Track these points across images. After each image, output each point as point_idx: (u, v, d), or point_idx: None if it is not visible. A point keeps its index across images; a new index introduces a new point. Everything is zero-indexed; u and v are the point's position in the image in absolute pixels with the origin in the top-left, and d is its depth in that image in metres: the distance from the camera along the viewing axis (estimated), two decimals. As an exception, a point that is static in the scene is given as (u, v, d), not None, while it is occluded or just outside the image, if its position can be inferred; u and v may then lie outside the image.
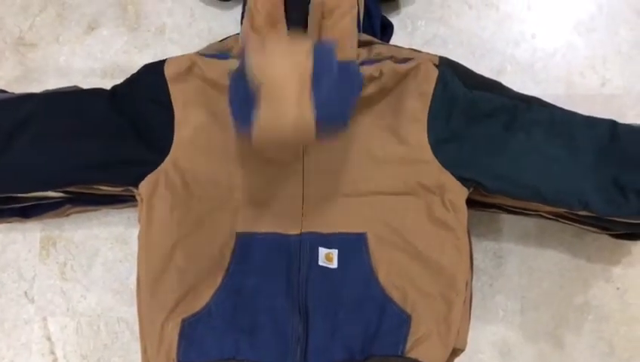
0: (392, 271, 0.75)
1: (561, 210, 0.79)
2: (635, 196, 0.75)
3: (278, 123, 0.63)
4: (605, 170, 0.77)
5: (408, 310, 0.73)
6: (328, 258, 0.75)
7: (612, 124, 0.79)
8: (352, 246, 0.75)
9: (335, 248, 0.75)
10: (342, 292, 0.74)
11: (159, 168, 0.78)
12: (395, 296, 0.74)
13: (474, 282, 0.89)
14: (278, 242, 0.76)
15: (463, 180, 0.76)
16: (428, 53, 0.80)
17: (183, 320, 0.73)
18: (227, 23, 0.99)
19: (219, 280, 0.75)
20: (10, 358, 0.91)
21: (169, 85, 0.78)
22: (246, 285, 0.75)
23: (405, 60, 0.78)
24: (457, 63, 0.81)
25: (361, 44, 0.80)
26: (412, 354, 0.71)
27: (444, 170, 0.76)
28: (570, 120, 0.79)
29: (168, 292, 0.75)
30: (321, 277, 0.75)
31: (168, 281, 0.75)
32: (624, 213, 0.76)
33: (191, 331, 0.73)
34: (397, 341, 0.72)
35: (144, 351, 0.76)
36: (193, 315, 0.74)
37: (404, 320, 0.72)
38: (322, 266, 0.75)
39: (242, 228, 0.77)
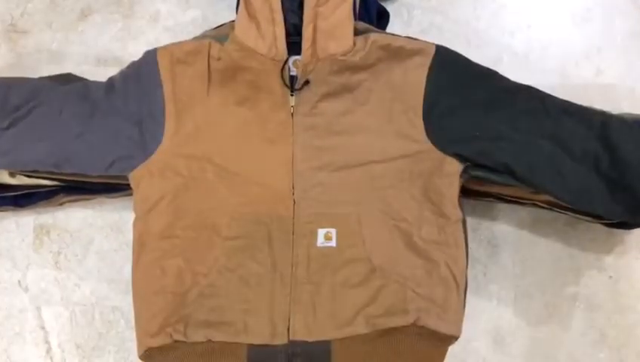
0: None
1: (554, 199, 0.80)
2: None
3: None
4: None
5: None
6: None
7: (603, 118, 0.79)
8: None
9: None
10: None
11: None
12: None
13: (468, 270, 0.90)
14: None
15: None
16: (425, 42, 0.80)
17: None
18: (222, 10, 0.98)
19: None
20: (4, 347, 0.90)
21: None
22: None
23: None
24: (453, 52, 0.80)
25: (357, 33, 0.79)
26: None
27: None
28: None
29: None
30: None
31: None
32: (607, 213, 0.78)
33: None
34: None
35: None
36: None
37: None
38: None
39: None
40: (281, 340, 0.73)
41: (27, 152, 0.79)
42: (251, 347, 0.73)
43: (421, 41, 0.81)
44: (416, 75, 0.78)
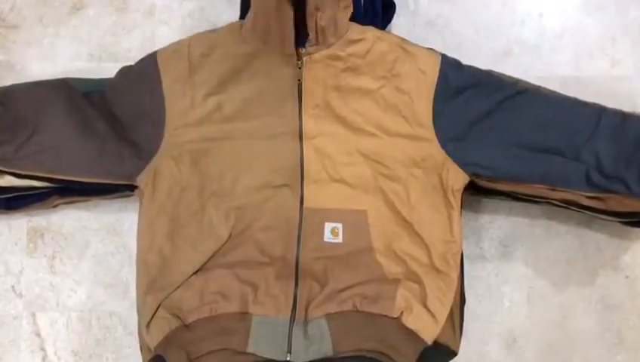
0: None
1: (569, 197, 0.77)
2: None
3: None
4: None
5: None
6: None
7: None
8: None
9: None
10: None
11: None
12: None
13: (479, 271, 0.87)
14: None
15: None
16: (431, 50, 0.79)
17: None
18: (218, 3, 0.94)
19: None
20: (-1, 355, 0.88)
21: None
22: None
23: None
24: (459, 65, 0.79)
25: None
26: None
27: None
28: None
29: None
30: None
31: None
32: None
33: None
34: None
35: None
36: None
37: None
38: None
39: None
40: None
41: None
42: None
43: (427, 49, 0.80)
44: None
